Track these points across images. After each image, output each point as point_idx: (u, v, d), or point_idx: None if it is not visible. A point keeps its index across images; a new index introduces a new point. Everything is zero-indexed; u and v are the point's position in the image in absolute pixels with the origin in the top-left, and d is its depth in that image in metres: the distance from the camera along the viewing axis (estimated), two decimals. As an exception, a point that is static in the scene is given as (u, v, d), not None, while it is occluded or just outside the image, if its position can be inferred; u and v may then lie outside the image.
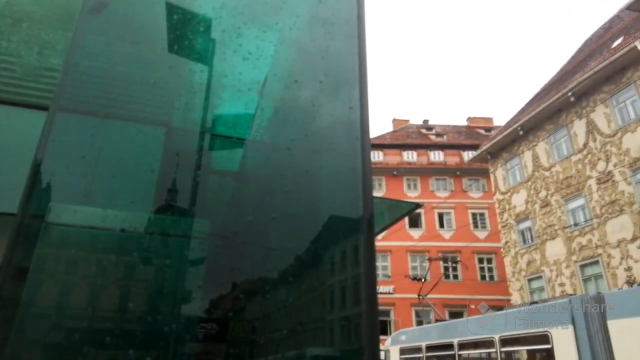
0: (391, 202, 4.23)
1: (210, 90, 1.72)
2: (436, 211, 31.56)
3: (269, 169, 1.67)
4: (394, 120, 41.46)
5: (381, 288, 29.83)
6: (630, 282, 16.91)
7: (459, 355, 10.18)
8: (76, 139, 1.40)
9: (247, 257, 1.39)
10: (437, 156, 34.44)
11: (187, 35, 1.79)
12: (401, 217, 4.02)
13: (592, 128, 19.58)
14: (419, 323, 28.87)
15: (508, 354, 9.35)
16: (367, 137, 1.48)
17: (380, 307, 29.41)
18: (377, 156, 34.65)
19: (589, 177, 19.42)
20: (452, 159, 34.12)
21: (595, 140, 19.37)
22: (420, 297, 17.25)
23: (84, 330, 1.15)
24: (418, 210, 30.35)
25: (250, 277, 1.35)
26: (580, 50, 26.08)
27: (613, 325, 7.26)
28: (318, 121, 1.57)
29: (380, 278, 30.32)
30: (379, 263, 30.74)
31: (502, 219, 24.98)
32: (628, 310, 7.19)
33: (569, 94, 20.21)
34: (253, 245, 1.42)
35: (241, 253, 1.40)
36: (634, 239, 17.26)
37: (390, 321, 29.20)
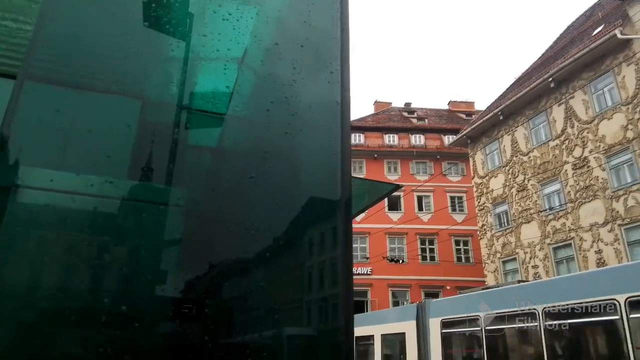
0: (371, 182, 4.20)
1: (188, 63, 1.63)
2: (415, 194, 31.90)
3: (248, 144, 1.61)
4: (376, 103, 41.40)
5: (359, 269, 30.22)
6: (601, 264, 17.51)
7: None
8: (46, 109, 1.30)
9: (224, 235, 1.33)
10: (418, 139, 34.63)
11: (165, 5, 1.69)
12: (381, 198, 4.00)
13: (570, 114, 19.92)
14: (395, 304, 29.44)
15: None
16: (347, 101, 1.44)
17: (358, 288, 29.84)
18: (358, 138, 34.66)
19: (566, 163, 19.83)
20: (432, 143, 34.38)
21: (573, 127, 19.72)
22: None
23: (51, 305, 1.08)
24: (397, 193, 30.64)
25: (227, 255, 1.30)
26: (562, 36, 26.35)
27: (429, 321, 12.16)
28: (298, 90, 1.50)
29: (358, 260, 30.67)
30: (358, 245, 31.06)
31: (479, 202, 25.42)
32: (434, 313, 12.25)
33: (550, 79, 20.45)
34: (230, 224, 1.36)
35: (218, 231, 1.34)
36: (605, 223, 17.79)
37: (367, 301, 29.68)
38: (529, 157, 22.03)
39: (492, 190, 24.15)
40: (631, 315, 7.16)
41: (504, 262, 23.14)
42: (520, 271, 21.84)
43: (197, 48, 1.67)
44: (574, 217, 19.22)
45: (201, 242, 1.29)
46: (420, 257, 30.62)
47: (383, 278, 29.69)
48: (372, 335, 14.19)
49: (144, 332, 1.11)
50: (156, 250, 1.24)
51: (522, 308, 9.05)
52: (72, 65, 1.44)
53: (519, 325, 9.15)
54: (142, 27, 1.59)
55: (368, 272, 30.11)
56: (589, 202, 18.62)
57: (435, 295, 29.61)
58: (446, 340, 11.27)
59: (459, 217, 31.44)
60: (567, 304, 8.22)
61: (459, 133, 27.70)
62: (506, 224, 23.33)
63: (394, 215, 31.57)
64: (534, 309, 8.73)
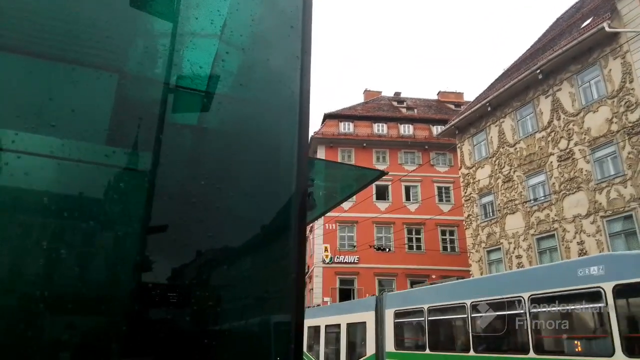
0: (357, 168, 4.20)
1: (168, 38, 1.60)
2: (403, 184, 32.05)
3: (232, 123, 1.58)
4: (366, 92, 41.30)
5: (346, 257, 30.39)
6: (583, 254, 17.82)
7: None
8: (11, 81, 1.26)
9: (201, 220, 1.31)
10: (406, 129, 34.69)
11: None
12: (367, 184, 4.00)
13: (557, 106, 20.09)
14: (382, 292, 29.68)
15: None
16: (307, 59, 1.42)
17: (345, 277, 30.05)
18: (347, 127, 34.61)
19: (551, 154, 20.05)
20: (421, 133, 34.47)
21: (559, 119, 19.91)
22: None
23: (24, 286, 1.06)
24: (385, 183, 30.75)
25: (202, 242, 1.28)
26: (551, 28, 26.46)
27: (385, 312, 13.50)
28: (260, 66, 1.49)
29: (345, 248, 30.83)
30: (345, 234, 31.20)
31: (465, 192, 25.64)
32: (389, 305, 13.52)
33: (538, 71, 20.56)
34: (209, 209, 1.34)
35: (197, 215, 1.32)
36: (588, 215, 18.08)
37: (354, 290, 29.92)
38: (516, 148, 22.23)
39: (479, 181, 24.37)
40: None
41: (489, 252, 23.45)
42: (504, 261, 22.16)
43: (179, 23, 1.63)
44: (557, 209, 19.50)
45: (183, 226, 1.27)
46: (406, 246, 30.89)
47: (370, 267, 29.92)
48: (339, 324, 15.95)
49: (128, 314, 1.10)
50: (139, 238, 1.22)
51: (454, 302, 10.90)
52: (42, 35, 1.39)
53: (453, 316, 10.99)
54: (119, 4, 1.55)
55: (355, 261, 30.32)
56: (572, 193, 18.89)
57: (421, 283, 29.93)
58: (398, 328, 13.04)
59: (445, 207, 31.73)
60: (488, 299, 10.03)
61: (447, 124, 27.80)
62: (491, 215, 23.59)
63: (382, 205, 31.73)
64: (464, 302, 10.52)
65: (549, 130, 20.37)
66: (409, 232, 31.41)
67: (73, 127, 1.30)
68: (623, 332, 7.27)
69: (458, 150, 26.83)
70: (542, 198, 20.45)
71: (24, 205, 1.08)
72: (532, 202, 20.87)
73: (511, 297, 9.49)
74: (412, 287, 29.62)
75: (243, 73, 1.62)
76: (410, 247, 31.15)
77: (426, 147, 33.51)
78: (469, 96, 39.73)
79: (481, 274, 23.56)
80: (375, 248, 28.28)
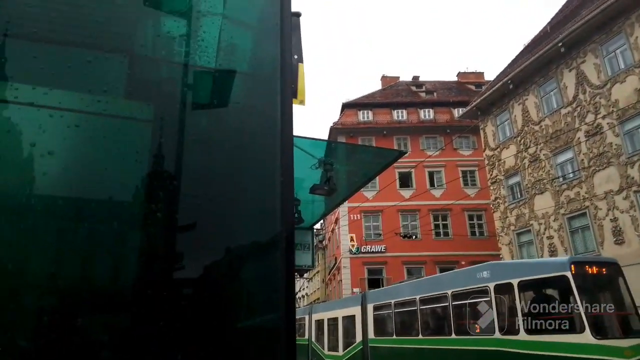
0: (377, 149, 4.13)
1: (177, 16, 1.58)
2: (426, 170, 31.68)
3: (245, 98, 1.56)
4: (383, 78, 40.82)
5: (373, 247, 30.30)
6: (617, 232, 17.29)
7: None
8: (25, 68, 1.26)
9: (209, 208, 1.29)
10: (427, 114, 34.21)
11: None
12: (388, 165, 3.94)
13: (581, 79, 19.45)
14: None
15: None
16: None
17: (373, 266, 29.99)
18: (366, 116, 34.37)
19: (578, 130, 19.46)
20: (442, 117, 33.94)
21: (585, 92, 19.28)
22: None
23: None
24: (408, 170, 30.46)
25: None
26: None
27: (367, 306, 15.97)
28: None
29: (372, 237, 30.73)
30: (371, 223, 31.09)
31: (491, 175, 25.17)
32: (370, 300, 16.12)
33: (560, 44, 19.94)
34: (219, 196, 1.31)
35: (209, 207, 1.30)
36: (620, 191, 17.50)
37: (382, 279, 29.83)
38: (541, 126, 21.66)
39: (504, 162, 23.87)
40: (452, 302, 11.75)
41: (518, 235, 23.00)
42: (535, 243, 21.70)
43: (183, 15, 1.62)
44: (588, 186, 18.95)
45: (197, 217, 1.24)
46: (433, 232, 30.57)
47: (397, 255, 29.75)
48: (337, 317, 18.85)
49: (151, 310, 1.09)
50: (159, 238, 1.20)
51: (409, 297, 13.98)
52: (44, 19, 1.39)
53: (409, 308, 13.89)
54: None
55: (382, 250, 30.20)
56: (603, 169, 18.30)
57: (450, 270, 29.65)
58: (376, 320, 15.66)
59: (471, 191, 31.21)
60: (429, 295, 13.03)
61: (469, 105, 27.29)
62: (519, 196, 23.11)
63: (406, 192, 31.44)
64: (415, 298, 13.62)
65: (574, 105, 19.76)
66: (435, 218, 31.06)
67: (86, 111, 1.29)
68: (499, 317, 10.04)
69: (481, 132, 26.33)
70: (571, 176, 19.90)
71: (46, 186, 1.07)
72: (561, 180, 20.34)
73: (442, 293, 12.34)
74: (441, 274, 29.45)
75: (248, 49, 1.60)
76: (438, 234, 30.82)
77: (448, 130, 32.97)
78: (490, 75, 38.88)
79: (512, 257, 23.15)
80: (402, 236, 28.11)
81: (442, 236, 30.79)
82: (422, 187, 31.39)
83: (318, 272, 45.69)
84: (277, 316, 1.15)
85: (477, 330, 10.59)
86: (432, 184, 31.98)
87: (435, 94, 37.34)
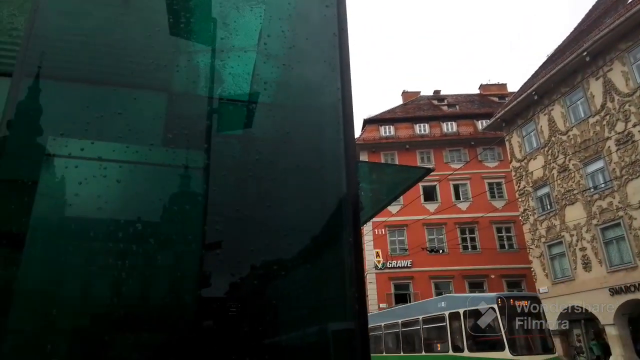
0: (402, 168, 4.14)
1: (211, 53, 1.66)
2: (451, 183, 31.27)
3: (275, 132, 1.61)
4: (404, 93, 40.80)
5: (399, 262, 29.92)
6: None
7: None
8: (73, 107, 1.34)
9: (253, 231, 1.33)
10: (450, 127, 33.91)
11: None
12: (413, 183, 3.93)
13: (609, 88, 19.03)
14: (439, 295, 28.98)
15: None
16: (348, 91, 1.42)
17: (400, 282, 29.56)
18: (388, 131, 34.31)
19: (608, 139, 18.97)
20: (465, 129, 33.59)
21: (613, 100, 18.84)
22: None
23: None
24: (433, 183, 30.15)
25: (256, 254, 1.29)
26: (594, 7, 25.19)
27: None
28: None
29: (397, 252, 30.37)
30: (396, 238, 30.76)
31: (519, 186, 24.68)
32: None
33: (584, 53, 19.61)
34: (260, 220, 1.35)
35: (252, 229, 1.34)
36: (656, 199, 16.92)
37: (410, 294, 29.35)
38: (568, 135, 21.20)
39: (532, 173, 23.39)
40: (423, 326, 14.97)
41: (549, 247, 22.37)
42: (567, 254, 21.07)
43: (217, 40, 1.68)
44: (621, 195, 18.37)
45: (238, 241, 1.29)
46: (461, 246, 30.01)
47: (424, 270, 29.27)
48: None
49: (188, 329, 1.12)
50: (194, 258, 1.25)
51: (393, 321, 17.23)
52: (89, 62, 1.47)
53: (393, 330, 17.08)
54: (157, 25, 1.61)
55: (408, 265, 29.77)
56: (636, 178, 17.74)
57: (480, 285, 28.96)
58: (371, 339, 17.24)
59: (498, 204, 30.60)
60: (408, 319, 16.09)
61: (493, 117, 26.96)
62: (549, 207, 22.55)
63: (431, 206, 31.07)
64: (397, 321, 16.86)
65: (602, 113, 19.31)
66: (462, 232, 30.52)
67: (123, 146, 1.35)
68: (452, 338, 12.99)
69: (507, 144, 25.93)
70: (603, 185, 19.34)
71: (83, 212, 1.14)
72: (592, 190, 19.78)
73: (416, 319, 15.50)
74: (470, 289, 28.77)
75: (282, 82, 1.65)
76: (465, 248, 30.24)
77: (472, 143, 32.58)
78: (513, 87, 38.39)
79: (543, 270, 22.51)
80: (428, 250, 27.71)
81: (470, 250, 30.18)
82: (447, 201, 30.96)
83: (344, 288, 45.27)
84: (350, 326, 1.17)
85: (438, 349, 13.79)
86: (457, 197, 31.51)
87: (457, 106, 37.05)
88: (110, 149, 1.21)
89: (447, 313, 13.21)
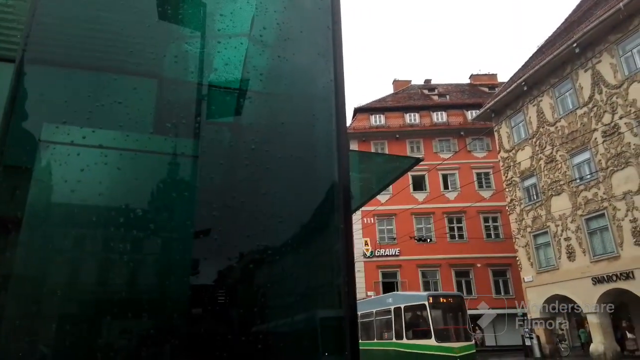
0: (391, 158, 4.17)
1: (202, 39, 1.65)
2: (440, 173, 31.50)
3: (266, 119, 1.61)
4: (395, 82, 40.77)
5: (387, 251, 30.20)
6: (637, 233, 17.00)
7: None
8: (54, 93, 1.33)
9: (242, 219, 1.34)
10: (440, 117, 34.04)
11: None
12: (403, 173, 3.96)
13: (597, 80, 19.22)
14: (426, 284, 29.38)
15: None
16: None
17: (388, 270, 29.87)
18: (378, 120, 34.34)
19: (595, 130, 19.21)
20: (455, 119, 33.76)
21: (601, 92, 19.04)
22: None
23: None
24: (422, 173, 30.33)
25: (248, 241, 1.30)
26: (585, -1, 25.32)
27: None
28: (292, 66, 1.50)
29: (385, 241, 30.63)
30: (385, 227, 30.99)
31: (506, 177, 24.95)
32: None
33: (574, 45, 19.74)
34: (249, 208, 1.36)
35: (243, 217, 1.35)
36: (639, 191, 17.22)
37: (397, 282, 29.69)
38: (556, 127, 21.43)
39: (520, 164, 23.65)
40: (376, 318, 17.41)
41: (535, 236, 22.73)
42: (552, 244, 21.43)
43: (207, 27, 1.68)
44: (605, 186, 18.68)
45: (227, 228, 1.29)
46: (448, 235, 30.36)
47: (412, 259, 29.61)
48: None
49: (177, 318, 1.13)
50: (184, 244, 1.26)
51: (366, 311, 18.23)
52: (81, 46, 1.46)
53: (367, 319, 18.06)
54: (153, 12, 1.60)
55: (396, 254, 30.08)
56: (621, 169, 18.03)
57: (466, 273, 29.38)
58: None
59: (486, 194, 30.94)
60: (365, 312, 17.95)
61: (482, 107, 27.11)
62: (535, 197, 22.86)
63: (420, 195, 31.32)
64: (358, 313, 17.06)
65: (590, 105, 19.52)
66: (450, 221, 30.85)
67: (122, 134, 1.35)
68: (395, 328, 15.65)
69: (495, 134, 26.13)
70: (589, 176, 19.63)
71: (79, 200, 1.14)
72: (578, 181, 20.08)
73: (370, 311, 17.79)
74: (456, 277, 29.20)
75: (276, 72, 1.65)
76: (452, 237, 30.60)
77: (462, 133, 32.79)
78: (503, 77, 38.52)
79: (529, 259, 22.88)
80: (416, 239, 27.95)
81: (457, 239, 30.56)
82: (436, 190, 31.23)
83: (332, 276, 45.65)
84: (339, 312, 1.19)
85: (386, 337, 16.38)
86: (446, 187, 31.78)
87: (447, 96, 37.16)
88: (103, 136, 1.21)
89: (392, 307, 16.08)
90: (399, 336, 15.17)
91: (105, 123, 1.22)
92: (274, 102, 1.65)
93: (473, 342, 14.89)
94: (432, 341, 13.73)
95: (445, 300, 15.24)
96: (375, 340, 16.86)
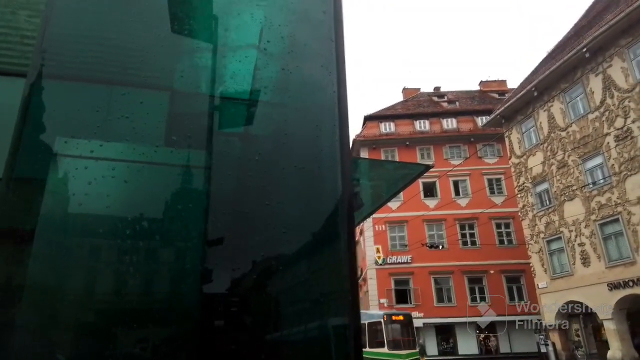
0: (401, 165, 4.20)
1: (213, 52, 1.70)
2: (451, 179, 31.32)
3: (274, 130, 1.65)
4: (404, 90, 40.80)
5: (399, 258, 30.02)
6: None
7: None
8: (65, 108, 1.37)
9: (251, 228, 1.37)
10: (450, 123, 33.92)
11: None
12: (413, 179, 3.98)
13: (609, 84, 19.05)
14: (438, 290, 29.12)
15: None
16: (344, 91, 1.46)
17: (400, 277, 29.68)
18: (388, 127, 34.32)
19: (607, 135, 19.00)
20: (465, 126, 33.60)
21: (612, 97, 18.87)
22: None
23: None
24: (433, 179, 30.21)
25: (258, 250, 1.33)
26: (595, 2, 25.17)
27: None
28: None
29: (397, 248, 30.47)
30: (396, 234, 30.84)
31: (518, 182, 24.74)
32: None
33: (584, 50, 19.62)
34: (257, 216, 1.39)
35: (248, 224, 1.38)
36: (655, 195, 16.99)
37: (409, 290, 29.47)
38: (568, 132, 21.24)
39: (531, 169, 23.45)
40: (367, 330, 18.96)
41: (548, 242, 22.46)
42: (566, 250, 21.15)
43: (219, 39, 1.73)
44: (619, 191, 18.43)
45: (240, 238, 1.33)
46: (460, 242, 30.11)
47: (424, 266, 29.38)
48: None
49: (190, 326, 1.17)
50: (197, 252, 1.29)
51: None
52: (92, 61, 1.52)
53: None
54: (164, 25, 1.66)
55: (408, 261, 29.88)
56: (635, 174, 17.79)
57: (479, 280, 29.06)
58: None
59: (498, 200, 30.69)
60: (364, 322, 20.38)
61: (492, 113, 26.98)
62: (548, 203, 22.62)
63: (431, 202, 31.15)
64: (364, 322, 20.26)
65: (602, 109, 19.34)
66: (462, 227, 30.60)
67: (130, 147, 1.39)
68: (365, 340, 17.98)
69: (506, 140, 25.97)
70: (602, 181, 19.40)
71: (88, 211, 1.19)
72: (591, 186, 19.84)
73: (363, 323, 19.40)
74: (469, 284, 28.90)
75: (281, 84, 1.69)
76: (465, 243, 30.34)
77: (472, 139, 32.61)
78: (513, 83, 38.39)
79: (542, 265, 22.60)
80: (428, 246, 27.79)
81: (469, 245, 30.29)
82: (447, 197, 31.05)
83: (344, 284, 45.50)
84: (343, 321, 1.21)
85: (372, 345, 19.00)
86: (457, 193, 31.58)
87: (457, 103, 37.05)
88: (114, 149, 1.26)
89: (381, 319, 19.33)
90: (363, 346, 20.04)
91: (118, 136, 1.28)
92: (281, 113, 1.69)
93: (417, 349, 18.53)
94: (386, 349, 17.58)
95: (396, 318, 19.08)
96: (368, 350, 20.99)
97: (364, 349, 17.15)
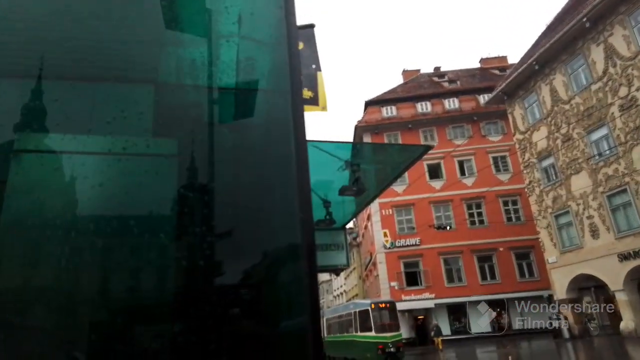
0: (402, 146, 4.16)
1: (195, 41, 1.67)
2: (456, 159, 31.19)
3: (266, 113, 1.63)
4: (404, 72, 40.42)
5: (407, 241, 30.08)
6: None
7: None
8: (56, 103, 1.35)
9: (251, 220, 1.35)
10: (452, 103, 33.65)
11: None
12: (415, 160, 3.95)
13: (610, 53, 18.77)
14: (448, 271, 29.20)
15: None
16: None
17: (409, 260, 29.77)
18: (390, 111, 34.11)
19: (611, 105, 18.79)
20: (467, 105, 33.33)
21: (615, 66, 18.61)
22: None
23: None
24: (437, 161, 30.08)
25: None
26: (593, -28, 24.71)
27: (324, 318, 27.40)
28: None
29: (405, 231, 30.51)
30: (403, 217, 30.85)
31: (523, 158, 24.60)
32: (325, 315, 28.34)
33: (584, 19, 19.31)
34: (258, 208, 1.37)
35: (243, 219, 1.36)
36: (662, 163, 16.83)
37: (419, 272, 29.56)
38: (571, 104, 21.02)
39: (536, 145, 23.28)
40: (345, 319, 23.81)
41: (557, 217, 22.39)
42: (574, 224, 21.08)
43: (200, 39, 1.70)
44: (626, 161, 18.27)
45: (241, 230, 1.31)
46: (468, 221, 30.08)
47: (433, 247, 29.44)
48: None
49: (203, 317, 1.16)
50: (208, 247, 1.28)
51: (333, 315, 27.10)
52: (68, 57, 1.49)
53: (333, 320, 26.41)
54: (144, 17, 1.63)
55: (417, 243, 29.93)
56: (641, 142, 17.63)
57: (489, 258, 29.09)
58: (327, 326, 27.03)
59: (504, 177, 30.55)
60: (337, 315, 26.16)
61: (494, 90, 26.74)
62: (554, 177, 22.49)
63: (436, 184, 31.08)
64: (335, 315, 26.60)
65: (605, 79, 19.09)
66: (469, 207, 30.55)
67: (116, 142, 1.37)
68: (354, 326, 21.89)
69: (509, 116, 25.76)
70: (608, 152, 19.23)
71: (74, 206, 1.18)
72: (597, 158, 19.68)
73: (340, 314, 25.17)
74: (479, 262, 28.95)
75: (265, 67, 1.66)
76: (473, 222, 30.30)
77: (475, 118, 32.38)
78: (513, 59, 37.90)
79: (551, 240, 22.56)
80: (436, 227, 27.80)
81: (477, 224, 30.26)
82: (452, 177, 30.95)
83: (354, 269, 45.68)
84: (304, 319, 1.20)
85: (348, 331, 22.70)
86: (462, 173, 31.47)
87: (458, 82, 36.70)
88: (98, 142, 1.24)
89: (352, 311, 22.32)
90: (355, 330, 21.83)
91: (98, 129, 1.26)
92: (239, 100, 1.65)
93: (400, 332, 21.03)
94: (373, 333, 19.93)
95: (382, 306, 21.17)
96: (344, 334, 23.88)
97: (354, 333, 22.04)
